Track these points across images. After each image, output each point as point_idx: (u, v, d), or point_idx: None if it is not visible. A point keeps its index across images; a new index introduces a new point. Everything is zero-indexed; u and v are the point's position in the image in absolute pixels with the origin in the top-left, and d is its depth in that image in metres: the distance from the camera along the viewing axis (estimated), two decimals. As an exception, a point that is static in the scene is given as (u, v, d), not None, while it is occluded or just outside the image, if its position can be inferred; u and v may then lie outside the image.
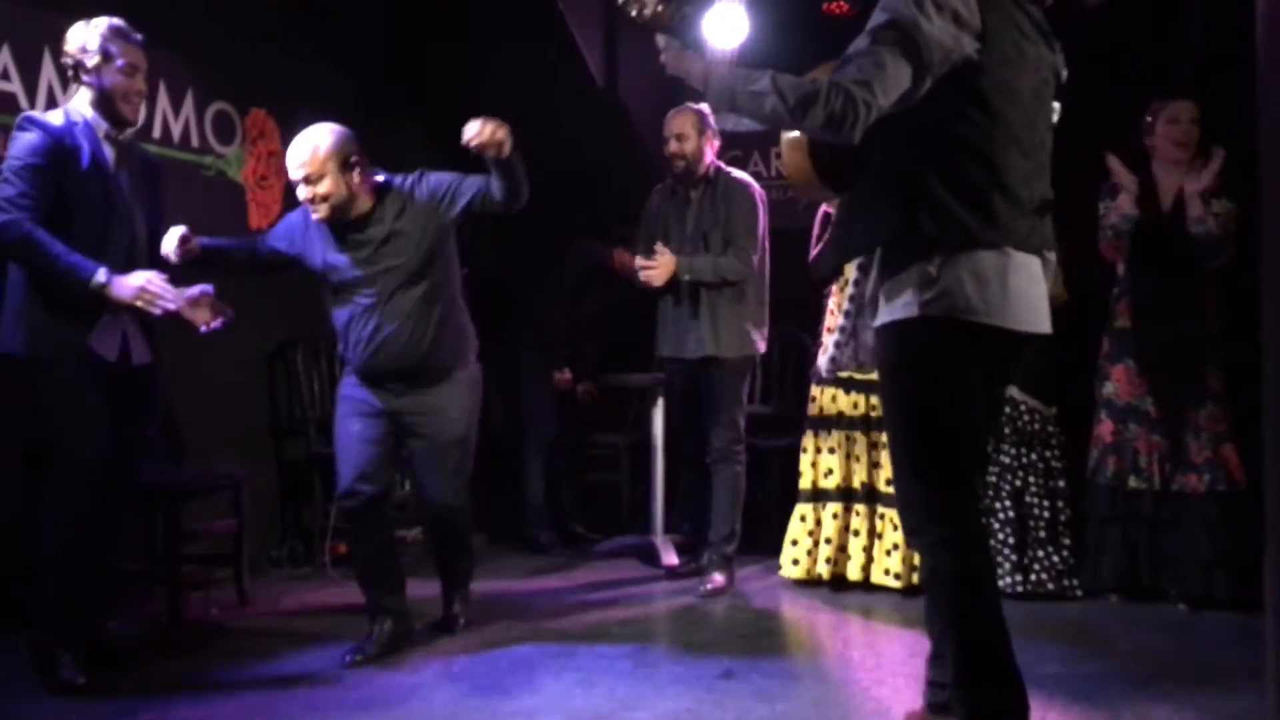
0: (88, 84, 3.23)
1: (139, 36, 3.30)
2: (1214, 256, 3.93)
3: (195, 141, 4.62)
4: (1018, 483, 4.20)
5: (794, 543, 4.45)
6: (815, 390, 4.47)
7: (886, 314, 2.32)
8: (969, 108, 2.19)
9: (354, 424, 3.55)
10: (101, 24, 3.24)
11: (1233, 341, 3.94)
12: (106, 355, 3.23)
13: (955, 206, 2.19)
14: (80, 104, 3.26)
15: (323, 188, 3.41)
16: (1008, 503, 4.20)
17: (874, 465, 4.36)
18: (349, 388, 3.60)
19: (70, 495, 3.19)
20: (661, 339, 4.55)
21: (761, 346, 4.50)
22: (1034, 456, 4.21)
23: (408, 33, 5.24)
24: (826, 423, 4.42)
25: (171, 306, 3.20)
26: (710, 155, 4.44)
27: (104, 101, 3.24)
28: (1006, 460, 4.22)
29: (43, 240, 3.05)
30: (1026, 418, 4.23)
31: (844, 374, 4.35)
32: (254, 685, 3.23)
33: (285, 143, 5.04)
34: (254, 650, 3.58)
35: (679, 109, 4.48)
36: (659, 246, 4.37)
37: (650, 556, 5.02)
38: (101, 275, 3.09)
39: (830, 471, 4.39)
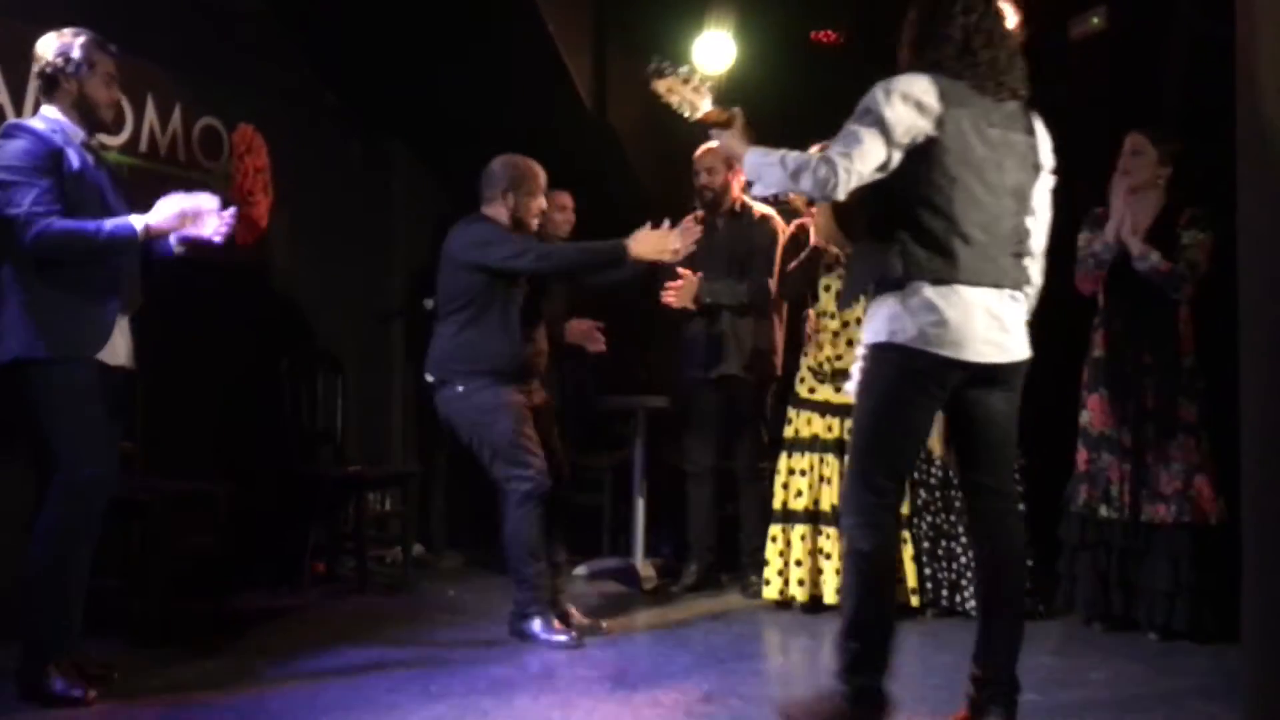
0: (67, 91, 3.27)
1: (114, 48, 3.36)
2: (1171, 289, 3.92)
3: (182, 156, 4.62)
4: None
5: (766, 564, 4.48)
6: (791, 413, 4.52)
7: (866, 338, 2.87)
8: (932, 174, 2.74)
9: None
10: (81, 35, 3.29)
11: (1209, 372, 3.95)
12: (108, 359, 3.25)
13: (918, 251, 2.74)
14: (53, 112, 3.28)
15: None
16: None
17: None
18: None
19: (67, 508, 3.18)
20: (686, 359, 4.79)
21: (777, 368, 4.77)
22: None
23: (398, 54, 5.26)
24: (800, 445, 4.46)
25: (212, 204, 3.28)
26: (736, 188, 4.75)
27: (84, 108, 3.29)
28: None
29: (73, 227, 3.12)
30: None
31: (819, 398, 4.42)
32: (227, 704, 3.20)
33: (273, 159, 5.08)
34: (229, 669, 3.55)
35: (710, 145, 4.59)
36: (682, 270, 4.58)
37: (630, 579, 5.01)
38: (138, 223, 3.18)
39: (800, 493, 4.42)
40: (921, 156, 2.74)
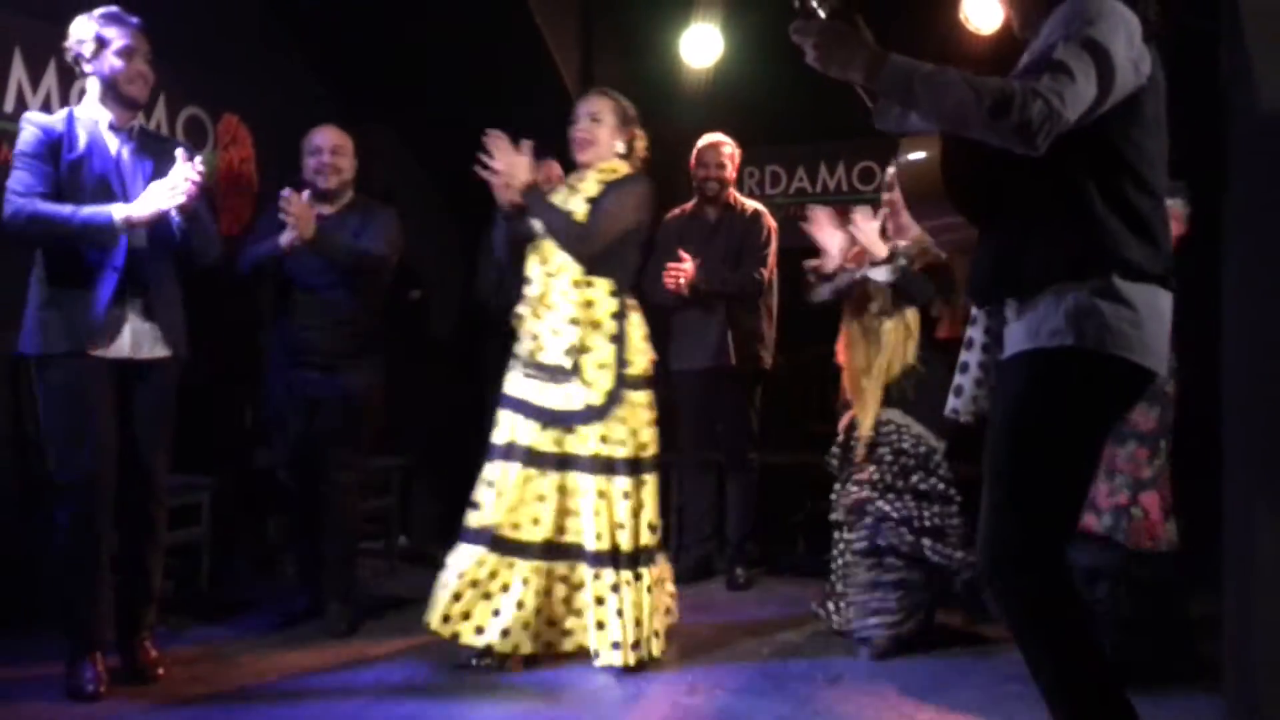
0: (93, 74, 3.27)
1: (134, 20, 3.31)
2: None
3: (166, 146, 4.59)
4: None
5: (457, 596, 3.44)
6: (499, 414, 3.58)
7: (1027, 342, 2.16)
8: (1135, 132, 2.13)
9: None
10: (98, 14, 3.28)
11: (1176, 375, 3.39)
12: (113, 352, 3.22)
13: (1126, 234, 2.10)
14: (89, 99, 3.29)
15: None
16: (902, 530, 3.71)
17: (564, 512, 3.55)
18: None
19: (58, 512, 3.18)
20: (675, 351, 4.82)
21: (768, 360, 4.83)
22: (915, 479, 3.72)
23: (383, 41, 5.24)
24: (513, 453, 3.52)
25: (192, 181, 3.18)
26: (732, 187, 4.93)
27: (108, 88, 3.28)
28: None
29: (49, 211, 3.12)
30: (909, 443, 3.73)
31: (534, 401, 3.53)
32: (206, 702, 3.16)
33: (258, 148, 5.05)
34: (207, 666, 3.52)
35: (713, 142, 4.84)
36: (683, 254, 4.62)
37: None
38: (118, 212, 3.14)
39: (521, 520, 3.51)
40: (1125, 110, 2.12)
